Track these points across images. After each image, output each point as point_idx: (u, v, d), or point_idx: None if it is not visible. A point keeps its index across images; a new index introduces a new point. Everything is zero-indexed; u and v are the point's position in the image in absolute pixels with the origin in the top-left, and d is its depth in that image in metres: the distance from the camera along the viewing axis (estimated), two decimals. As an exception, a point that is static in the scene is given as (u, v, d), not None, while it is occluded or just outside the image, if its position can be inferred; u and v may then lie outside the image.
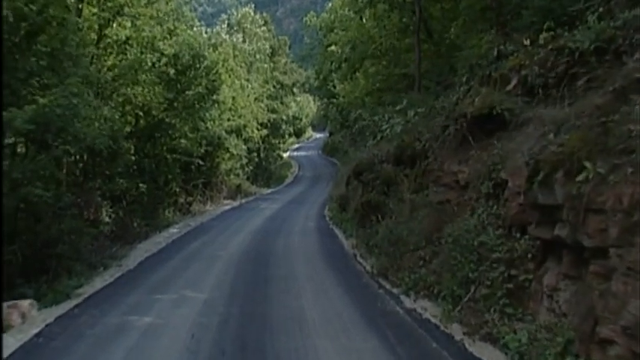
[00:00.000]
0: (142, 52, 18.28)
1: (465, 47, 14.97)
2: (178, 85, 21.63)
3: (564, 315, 7.08)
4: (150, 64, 18.93)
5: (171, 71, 21.27)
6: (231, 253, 15.60)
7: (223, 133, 31.66)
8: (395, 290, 10.68)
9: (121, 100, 19.25)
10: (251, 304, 9.95)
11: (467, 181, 10.80)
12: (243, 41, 52.57)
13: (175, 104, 21.96)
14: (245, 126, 35.52)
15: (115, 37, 17.67)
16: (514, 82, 10.23)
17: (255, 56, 50.79)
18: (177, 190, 26.96)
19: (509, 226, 8.92)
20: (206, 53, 24.00)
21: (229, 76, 35.84)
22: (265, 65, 52.86)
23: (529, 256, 8.10)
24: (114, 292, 11.14)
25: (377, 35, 24.14)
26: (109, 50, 17.50)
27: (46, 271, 12.35)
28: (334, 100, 40.13)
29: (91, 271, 13.14)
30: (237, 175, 40.01)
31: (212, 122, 29.26)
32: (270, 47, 57.63)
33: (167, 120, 22.71)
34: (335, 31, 34.07)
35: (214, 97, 24.34)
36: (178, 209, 27.89)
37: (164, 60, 20.76)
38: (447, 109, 12.05)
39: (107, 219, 18.51)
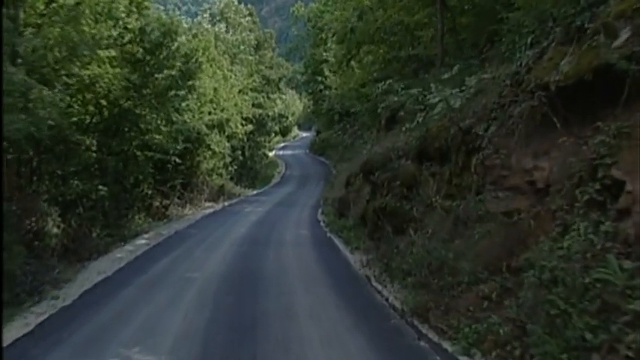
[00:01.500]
0: (96, 21, 14.60)
1: (506, 11, 11.57)
2: (147, 68, 17.96)
3: None
4: (109, 37, 15.24)
5: (138, 50, 17.63)
6: (208, 276, 12.04)
7: (204, 127, 28.08)
8: (447, 345, 7.16)
9: (74, 82, 15.57)
10: (233, 373, 6.43)
11: (548, 183, 7.39)
12: (227, 31, 49.10)
13: (144, 91, 18.29)
14: (228, 120, 31.89)
15: (62, 1, 13.94)
16: (626, 34, 6.81)
17: (239, 47, 47.21)
18: (150, 192, 23.37)
19: (646, 254, 5.57)
20: (180, 31, 20.30)
21: (210, 66, 32.41)
22: (250, 57, 49.26)
23: None
24: (23, 352, 7.48)
25: (386, 7, 20.55)
26: (53, 18, 13.81)
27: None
28: (327, 93, 36.73)
29: (15, 308, 9.56)
30: (220, 175, 36.44)
31: (190, 115, 25.74)
32: (256, 39, 54.07)
33: (135, 110, 19.09)
34: (329, 11, 30.48)
35: (191, 83, 20.55)
36: (153, 214, 24.41)
37: (128, 36, 17.13)
38: (504, 81, 8.54)
39: (55, 230, 14.89)
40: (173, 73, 18.31)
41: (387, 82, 11.52)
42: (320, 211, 26.55)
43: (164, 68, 18.27)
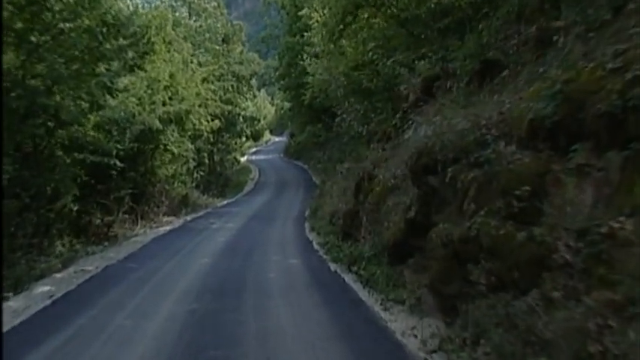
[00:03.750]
0: None
1: None
2: (48, 14, 11.39)
3: None
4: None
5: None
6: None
7: (156, 121, 21.62)
8: None
9: None
10: None
11: None
12: (190, 17, 42.71)
13: (40, 50, 11.71)
14: (188, 112, 25.36)
15: None
16: None
17: (204, 35, 40.77)
18: (76, 208, 16.78)
19: None
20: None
21: (167, 50, 26.10)
22: (217, 47, 42.86)
23: None
24: None
25: None
26: None
27: None
28: (310, 79, 30.46)
29: None
30: (183, 182, 29.98)
31: (135, 101, 19.43)
32: (223, 28, 47.63)
33: (39, 87, 12.59)
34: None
35: (122, 41, 13.71)
36: (91, 236, 18.00)
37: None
38: None
39: None
40: (89, 22, 11.69)
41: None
42: (308, 227, 20.43)
43: (76, 17, 11.72)
